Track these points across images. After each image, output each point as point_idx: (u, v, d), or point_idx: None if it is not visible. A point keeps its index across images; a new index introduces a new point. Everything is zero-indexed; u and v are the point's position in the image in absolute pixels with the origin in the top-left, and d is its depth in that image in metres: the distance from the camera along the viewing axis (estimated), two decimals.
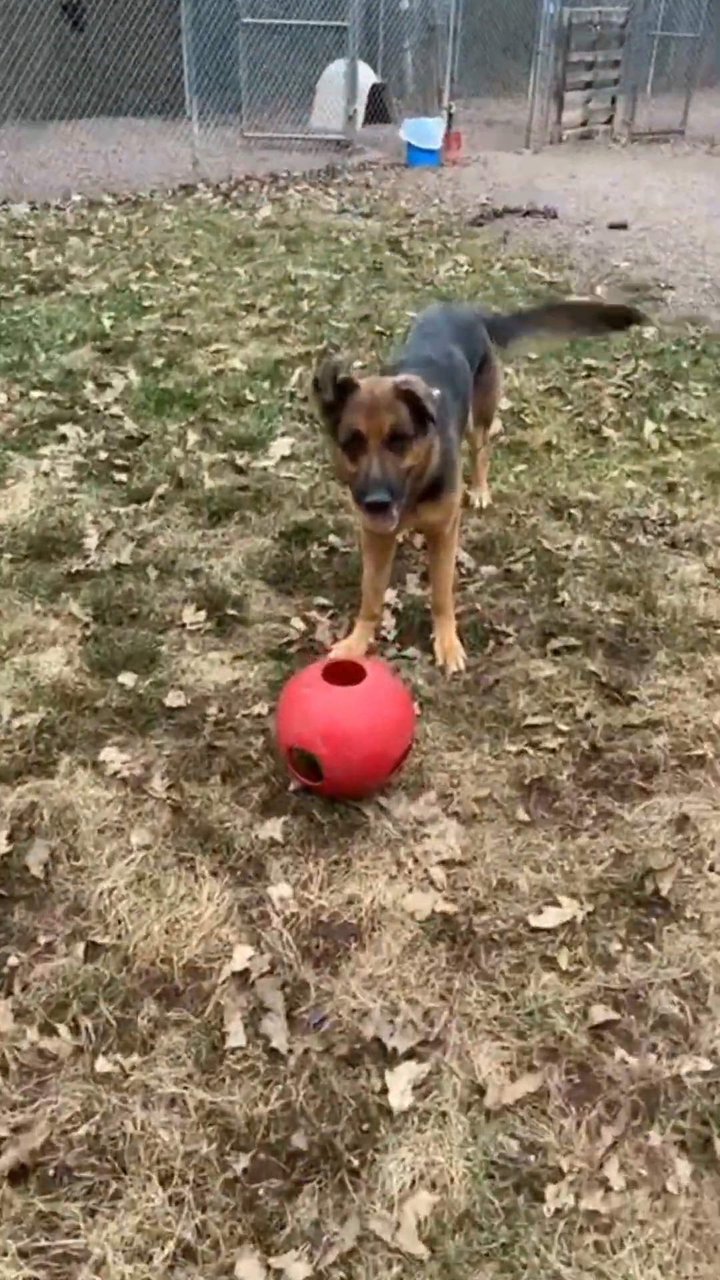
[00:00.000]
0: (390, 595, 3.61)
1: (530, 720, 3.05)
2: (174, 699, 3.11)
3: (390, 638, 3.46)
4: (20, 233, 8.80)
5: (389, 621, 3.52)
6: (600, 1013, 2.19)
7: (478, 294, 7.28)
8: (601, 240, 9.27)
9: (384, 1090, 2.04)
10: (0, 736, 2.93)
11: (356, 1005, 2.21)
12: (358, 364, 5.64)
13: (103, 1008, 2.19)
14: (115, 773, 2.83)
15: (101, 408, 5.15)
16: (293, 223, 9.59)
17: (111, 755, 2.89)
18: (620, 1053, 2.12)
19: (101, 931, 2.37)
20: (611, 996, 2.24)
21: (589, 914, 2.43)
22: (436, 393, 2.89)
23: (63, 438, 4.82)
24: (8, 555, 3.84)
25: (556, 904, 2.44)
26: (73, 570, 3.74)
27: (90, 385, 5.38)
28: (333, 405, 2.81)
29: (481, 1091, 2.05)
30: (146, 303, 6.85)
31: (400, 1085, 2.04)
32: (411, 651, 3.38)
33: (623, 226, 9.77)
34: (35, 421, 4.96)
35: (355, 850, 2.59)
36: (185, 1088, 2.05)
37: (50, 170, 11.25)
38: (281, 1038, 2.14)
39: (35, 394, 5.27)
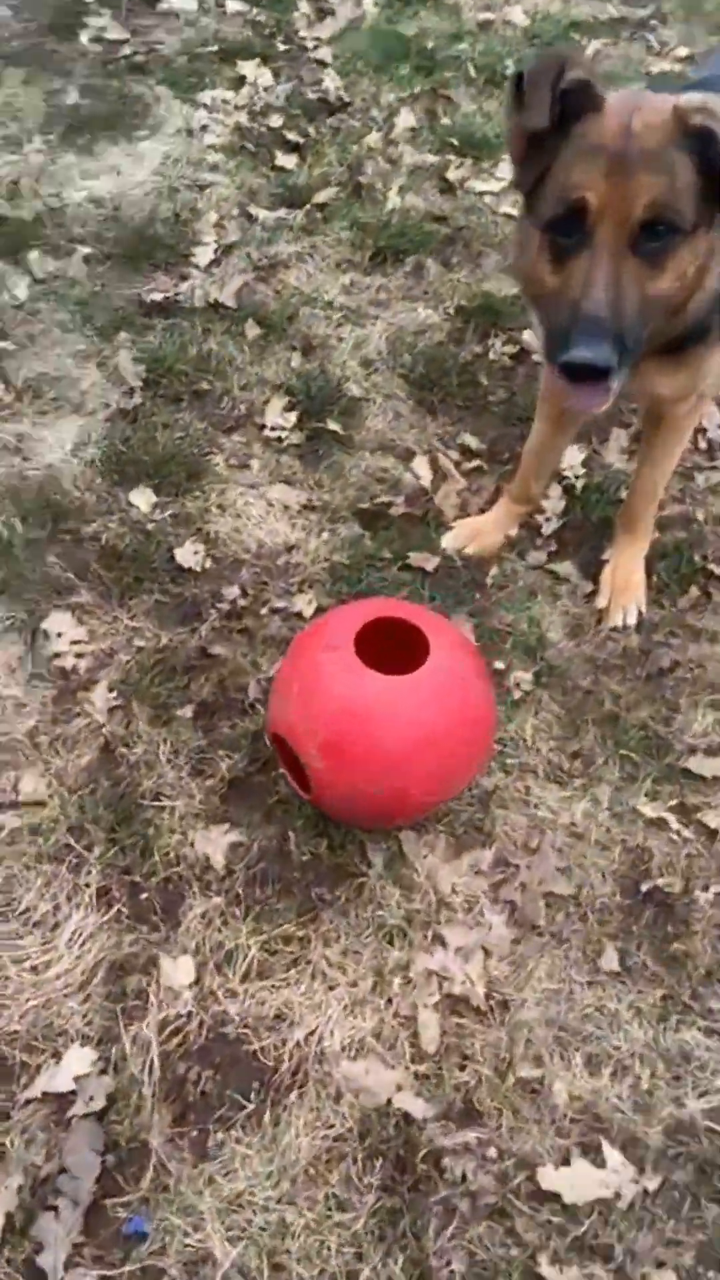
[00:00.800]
0: (571, 456, 2.35)
1: (698, 764, 1.87)
2: (189, 553, 2.09)
3: (544, 533, 2.25)
4: None
5: (551, 504, 2.28)
6: None
7: None
8: None
9: None
10: None
11: (198, 1240, 1.34)
12: (604, 61, 3.80)
13: None
14: (54, 656, 1.91)
15: (309, 45, 3.70)
16: None
17: (62, 623, 1.95)
18: None
19: None
20: None
21: (647, 1194, 1.41)
22: None
23: (239, 81, 3.47)
24: (90, 246, 2.73)
25: (598, 1155, 1.44)
26: (150, 299, 2.62)
27: (306, 7, 3.87)
28: (544, 135, 1.47)
29: None
30: None
31: None
32: (564, 568, 2.18)
33: None
34: (214, 48, 3.60)
35: (324, 926, 1.62)
36: None
37: None
38: (59, 1252, 1.32)
39: (231, 4, 3.84)
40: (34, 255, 2.66)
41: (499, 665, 1.99)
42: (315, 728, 1.54)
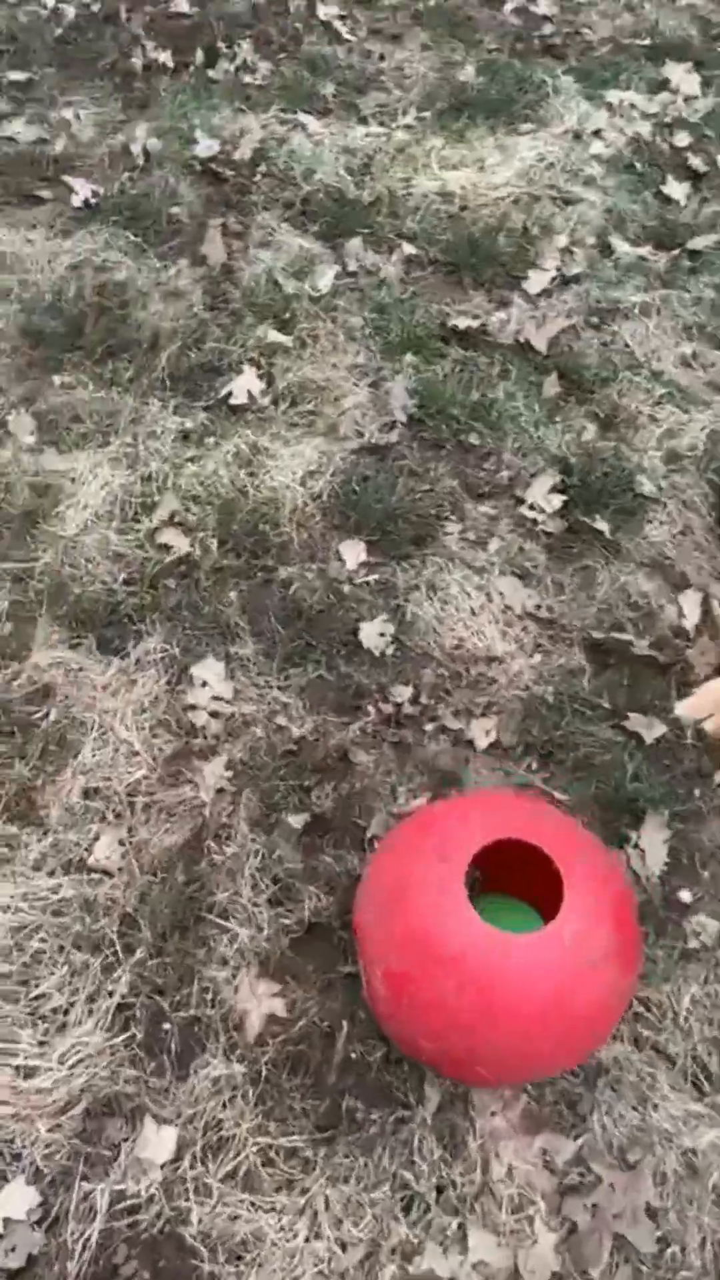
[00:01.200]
0: None
1: None
2: (374, 633, 1.82)
3: None
4: None
5: None
6: None
7: None
8: None
9: None
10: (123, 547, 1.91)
11: None
12: None
13: None
14: (190, 707, 1.72)
15: None
16: None
17: (212, 673, 1.75)
18: None
19: None
20: None
21: None
22: None
23: (659, 85, 3.04)
24: (417, 246, 2.47)
25: None
26: (455, 323, 2.33)
27: None
28: None
29: None
30: None
31: None
32: None
33: None
34: (646, 42, 3.17)
35: (338, 1157, 1.34)
36: None
37: None
38: None
39: None
40: (354, 243, 2.44)
41: (684, 895, 1.58)
42: (386, 947, 1.24)
